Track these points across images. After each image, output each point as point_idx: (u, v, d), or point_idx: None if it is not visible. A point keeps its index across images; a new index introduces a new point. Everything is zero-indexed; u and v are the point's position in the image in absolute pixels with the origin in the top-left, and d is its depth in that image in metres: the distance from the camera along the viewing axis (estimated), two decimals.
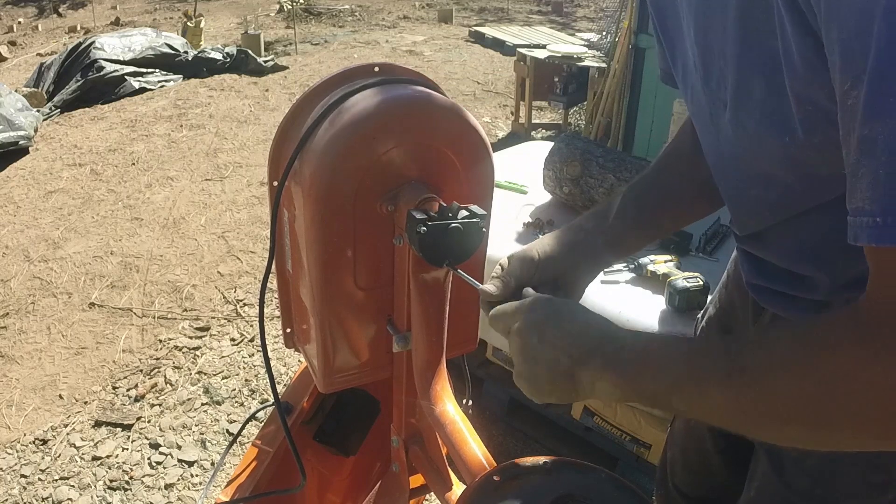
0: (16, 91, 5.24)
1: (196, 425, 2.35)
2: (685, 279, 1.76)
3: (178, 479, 2.14)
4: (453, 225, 0.81)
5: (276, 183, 0.94)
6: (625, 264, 1.94)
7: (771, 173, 0.72)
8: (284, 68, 6.70)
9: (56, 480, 2.13)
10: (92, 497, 2.07)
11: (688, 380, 0.62)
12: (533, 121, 5.13)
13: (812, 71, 0.57)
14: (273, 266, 1.00)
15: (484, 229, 0.84)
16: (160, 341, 2.80)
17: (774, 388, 0.57)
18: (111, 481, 2.13)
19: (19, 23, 9.56)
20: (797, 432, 0.59)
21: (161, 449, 2.25)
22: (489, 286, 0.82)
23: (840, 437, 0.58)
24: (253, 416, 2.19)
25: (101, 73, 5.69)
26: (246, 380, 2.58)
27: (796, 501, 0.88)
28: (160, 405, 2.45)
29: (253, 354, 2.72)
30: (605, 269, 1.93)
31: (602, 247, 0.91)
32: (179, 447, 2.26)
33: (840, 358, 0.54)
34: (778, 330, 0.65)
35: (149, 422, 2.37)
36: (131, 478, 2.14)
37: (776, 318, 0.88)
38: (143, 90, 5.84)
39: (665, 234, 1.09)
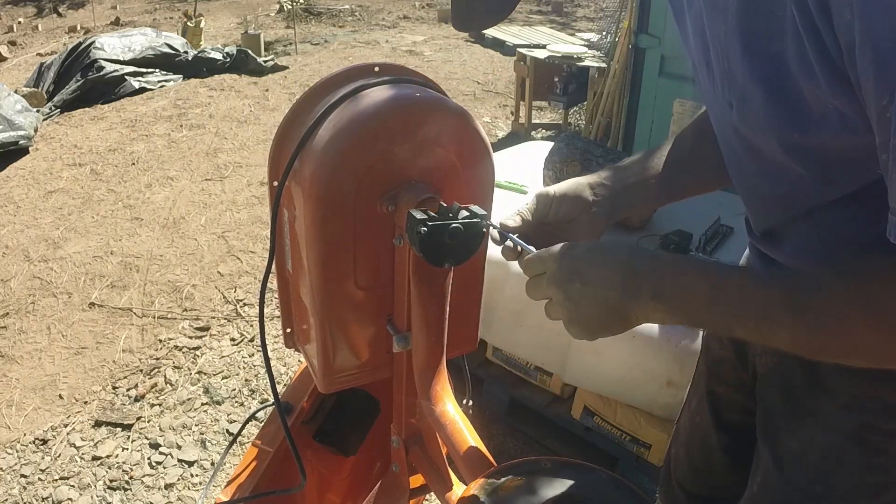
0: (16, 91, 5.23)
1: (196, 425, 2.35)
2: None
3: (178, 479, 2.14)
4: (454, 225, 0.81)
5: (276, 183, 0.94)
6: None
7: (783, 164, 0.73)
8: (284, 68, 6.69)
9: (56, 480, 2.13)
10: (92, 497, 2.07)
11: (748, 317, 0.66)
12: (533, 121, 5.13)
13: (833, 88, 0.59)
14: (273, 266, 1.00)
15: (484, 229, 0.85)
16: (160, 341, 2.80)
17: (836, 332, 0.64)
18: (111, 481, 2.13)
19: (19, 23, 9.56)
20: (859, 362, 0.68)
21: (161, 449, 2.25)
22: (509, 220, 0.86)
23: None
24: (253, 416, 2.19)
25: (101, 73, 5.69)
26: (246, 380, 2.58)
27: (796, 498, 0.88)
28: (160, 405, 2.45)
29: (253, 354, 2.72)
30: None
31: (620, 191, 0.92)
32: (179, 447, 2.26)
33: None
34: (837, 277, 0.68)
35: (149, 422, 2.37)
36: (131, 478, 2.14)
37: None
38: (143, 90, 5.83)
39: (681, 195, 1.03)
